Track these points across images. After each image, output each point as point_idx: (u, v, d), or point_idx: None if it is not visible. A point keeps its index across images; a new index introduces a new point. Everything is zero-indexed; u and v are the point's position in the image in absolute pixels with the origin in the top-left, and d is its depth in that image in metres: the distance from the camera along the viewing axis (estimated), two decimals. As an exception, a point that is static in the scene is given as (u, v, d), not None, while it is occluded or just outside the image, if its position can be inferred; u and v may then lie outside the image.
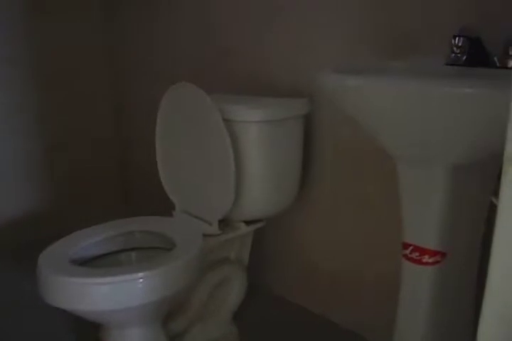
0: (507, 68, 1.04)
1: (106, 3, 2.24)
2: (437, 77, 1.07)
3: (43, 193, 2.32)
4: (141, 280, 1.26)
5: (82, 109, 2.34)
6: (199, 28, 1.85)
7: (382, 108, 0.98)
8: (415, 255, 1.11)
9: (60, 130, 2.29)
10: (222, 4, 1.74)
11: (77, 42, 2.26)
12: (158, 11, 2.00)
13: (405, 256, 1.13)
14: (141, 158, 2.25)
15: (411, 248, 1.11)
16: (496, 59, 1.07)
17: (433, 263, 1.09)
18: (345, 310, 1.64)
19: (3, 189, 2.21)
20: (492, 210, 1.10)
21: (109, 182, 2.50)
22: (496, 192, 1.09)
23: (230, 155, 1.38)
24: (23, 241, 2.08)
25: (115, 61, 2.30)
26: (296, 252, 1.74)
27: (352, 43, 1.40)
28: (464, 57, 1.10)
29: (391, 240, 1.38)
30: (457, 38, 1.09)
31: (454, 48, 1.10)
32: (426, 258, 1.09)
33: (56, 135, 2.28)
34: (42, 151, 2.27)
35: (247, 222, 1.55)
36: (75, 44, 2.25)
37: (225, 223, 1.52)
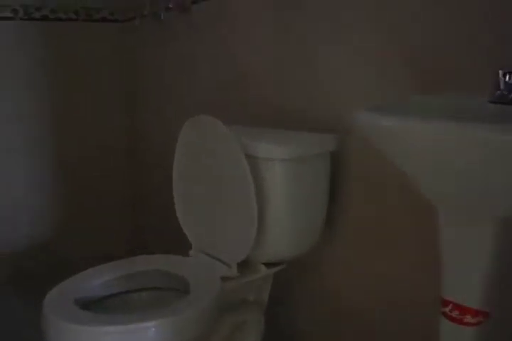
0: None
1: (124, 29, 2.20)
2: (481, 118, 0.98)
3: (49, 221, 2.25)
4: (153, 329, 1.18)
5: (97, 137, 2.30)
6: (219, 58, 1.78)
7: (419, 151, 0.88)
8: (455, 313, 1.00)
9: (70, 158, 2.24)
10: (243, 35, 1.67)
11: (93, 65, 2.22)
12: (177, 38, 1.94)
13: (444, 313, 1.02)
14: (157, 193, 2.17)
15: (451, 305, 1.00)
16: (547, 97, 0.98)
17: (475, 324, 0.98)
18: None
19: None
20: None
21: (123, 219, 2.42)
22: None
23: (252, 194, 1.28)
24: (22, 271, 2.02)
25: (131, 90, 2.25)
26: (318, 295, 1.63)
27: (387, 76, 1.29)
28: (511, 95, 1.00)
29: (421, 288, 1.28)
30: (504, 74, 1.00)
31: (500, 85, 1.01)
32: (468, 318, 0.98)
33: (64, 164, 2.23)
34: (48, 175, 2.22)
35: (268, 264, 1.45)
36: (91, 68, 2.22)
37: (244, 265, 1.42)
